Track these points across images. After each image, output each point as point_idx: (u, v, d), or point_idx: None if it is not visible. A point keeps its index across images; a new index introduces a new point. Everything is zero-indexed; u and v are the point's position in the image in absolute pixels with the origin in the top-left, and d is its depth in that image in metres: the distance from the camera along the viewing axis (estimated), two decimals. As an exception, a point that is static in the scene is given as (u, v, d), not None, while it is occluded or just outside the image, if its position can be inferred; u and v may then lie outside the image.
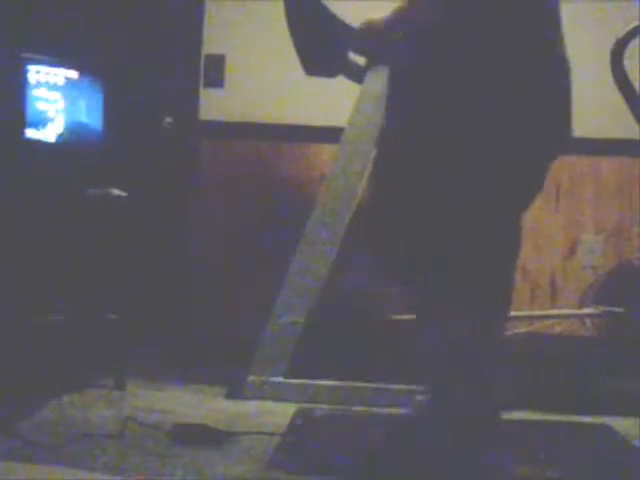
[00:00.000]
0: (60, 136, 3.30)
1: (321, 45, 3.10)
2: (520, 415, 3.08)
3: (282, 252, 3.38)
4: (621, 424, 2.97)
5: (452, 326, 2.32)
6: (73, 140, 3.35)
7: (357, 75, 3.35)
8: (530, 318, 3.81)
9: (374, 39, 2.54)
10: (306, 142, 4.01)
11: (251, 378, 3.25)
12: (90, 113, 3.39)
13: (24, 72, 3.19)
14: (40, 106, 3.24)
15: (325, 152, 3.91)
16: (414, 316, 2.45)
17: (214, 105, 4.05)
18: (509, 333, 3.65)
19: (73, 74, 3.33)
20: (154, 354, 3.75)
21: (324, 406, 3.12)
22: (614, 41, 2.99)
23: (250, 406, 3.12)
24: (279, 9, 3.21)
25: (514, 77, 2.26)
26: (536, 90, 2.29)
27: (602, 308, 3.83)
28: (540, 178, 2.45)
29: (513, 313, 3.42)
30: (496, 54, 2.25)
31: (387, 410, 3.09)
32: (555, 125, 2.36)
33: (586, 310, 3.88)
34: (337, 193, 3.37)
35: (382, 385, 3.25)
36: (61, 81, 3.29)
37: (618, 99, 3.02)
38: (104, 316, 3.26)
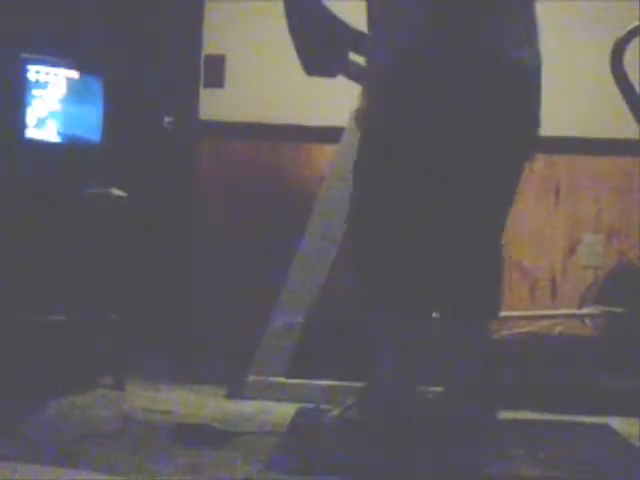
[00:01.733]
0: (60, 136, 3.30)
1: (321, 45, 3.10)
2: (520, 415, 3.08)
3: (282, 252, 3.38)
4: (621, 424, 2.97)
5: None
6: (73, 140, 3.35)
7: (357, 75, 3.35)
8: (530, 318, 3.81)
9: None
10: (306, 142, 4.01)
11: (251, 378, 3.25)
12: (90, 113, 3.38)
13: (24, 72, 3.19)
14: (40, 106, 3.24)
15: (325, 152, 3.91)
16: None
17: (214, 105, 4.05)
18: (508, 333, 3.65)
19: (73, 74, 3.33)
20: (154, 354, 3.75)
21: (324, 406, 3.12)
22: (614, 41, 2.99)
23: (250, 406, 3.12)
24: (279, 9, 3.22)
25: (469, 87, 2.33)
26: (492, 96, 2.36)
27: (602, 308, 3.83)
28: (511, 181, 2.51)
29: (513, 313, 3.44)
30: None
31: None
32: (518, 126, 2.43)
33: (586, 310, 3.88)
34: (337, 193, 3.37)
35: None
36: (61, 81, 3.29)
37: (618, 99, 3.02)
38: (104, 316, 3.26)
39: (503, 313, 3.45)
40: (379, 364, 2.59)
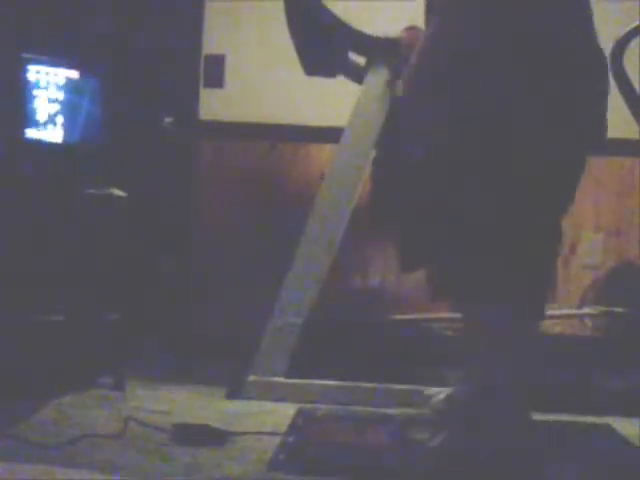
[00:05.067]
0: (60, 136, 3.30)
1: (321, 45, 3.11)
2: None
3: (282, 252, 3.38)
4: (621, 424, 2.97)
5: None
6: (73, 140, 3.35)
7: (357, 75, 3.36)
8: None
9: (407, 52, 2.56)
10: (306, 142, 4.02)
11: (251, 378, 3.25)
12: (90, 113, 3.38)
13: (24, 72, 3.19)
14: (40, 106, 3.24)
15: (325, 152, 3.91)
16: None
17: (214, 105, 4.05)
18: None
19: (73, 74, 3.33)
20: (154, 354, 3.75)
21: (324, 406, 3.12)
22: (614, 41, 3.00)
23: (250, 406, 3.12)
24: (279, 9, 3.23)
25: (545, 80, 2.29)
26: (568, 92, 2.32)
27: (602, 308, 3.83)
28: (575, 177, 2.47)
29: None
30: (525, 60, 2.28)
31: (387, 410, 3.09)
32: (588, 125, 2.39)
33: (586, 310, 3.88)
34: (337, 193, 3.37)
35: (382, 385, 3.25)
36: (61, 81, 3.29)
37: (618, 99, 3.02)
38: (104, 316, 3.26)
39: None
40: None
